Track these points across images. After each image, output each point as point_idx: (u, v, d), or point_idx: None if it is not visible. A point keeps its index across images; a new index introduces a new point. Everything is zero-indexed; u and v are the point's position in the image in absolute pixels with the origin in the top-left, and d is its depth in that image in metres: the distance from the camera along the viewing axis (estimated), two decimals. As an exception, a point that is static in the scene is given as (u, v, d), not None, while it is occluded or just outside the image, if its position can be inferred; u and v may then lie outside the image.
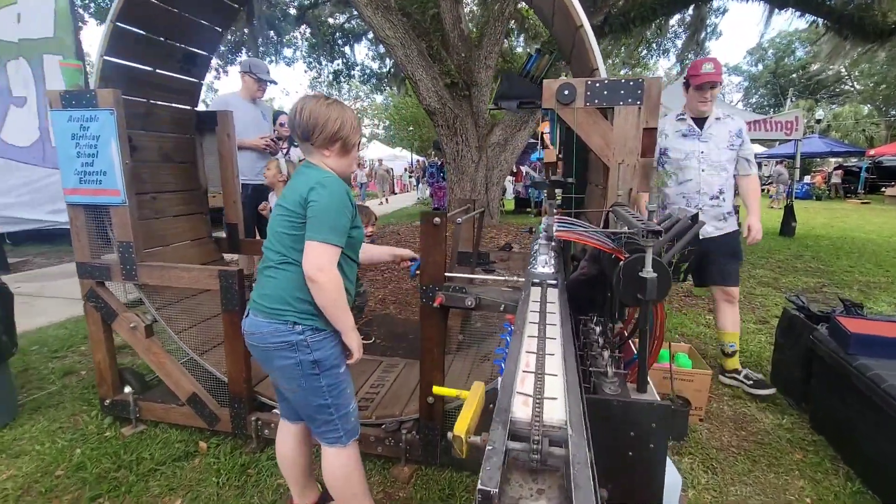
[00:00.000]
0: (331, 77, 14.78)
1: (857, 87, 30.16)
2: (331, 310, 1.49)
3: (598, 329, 1.45)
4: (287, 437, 1.77)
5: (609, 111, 1.69)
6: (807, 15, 8.75)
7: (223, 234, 3.11)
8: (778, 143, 16.87)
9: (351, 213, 1.51)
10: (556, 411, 0.85)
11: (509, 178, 10.63)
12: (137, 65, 2.43)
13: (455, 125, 6.94)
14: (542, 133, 3.06)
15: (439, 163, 11.24)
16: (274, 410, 2.33)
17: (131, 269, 2.27)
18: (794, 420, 2.56)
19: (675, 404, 2.38)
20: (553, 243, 1.45)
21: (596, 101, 1.66)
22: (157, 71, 2.55)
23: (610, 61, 14.45)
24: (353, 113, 1.57)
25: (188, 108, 2.86)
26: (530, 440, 0.77)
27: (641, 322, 1.09)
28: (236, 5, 2.76)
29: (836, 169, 21.52)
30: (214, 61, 13.63)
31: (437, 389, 1.08)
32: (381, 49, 11.68)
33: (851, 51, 9.26)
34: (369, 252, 1.95)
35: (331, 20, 13.43)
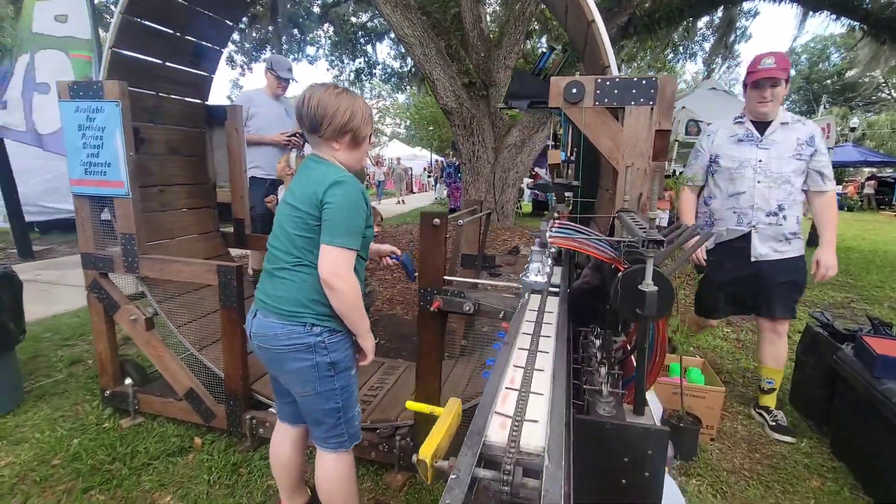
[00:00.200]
0: (353, 75, 14.86)
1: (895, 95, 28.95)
2: (349, 314, 1.45)
3: (597, 342, 1.37)
4: (284, 440, 1.73)
5: (620, 111, 1.60)
6: (842, 18, 8.40)
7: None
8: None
9: (366, 213, 1.46)
10: (535, 436, 0.78)
11: (527, 179, 10.51)
12: (146, 57, 2.42)
13: (472, 125, 6.86)
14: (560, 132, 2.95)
15: (457, 163, 11.17)
16: (270, 409, 2.30)
17: (133, 261, 2.27)
18: (812, 444, 2.42)
19: (684, 422, 2.27)
20: (551, 250, 1.37)
21: (606, 100, 1.57)
22: (167, 64, 2.55)
23: (635, 64, 14.17)
24: (365, 103, 1.49)
25: (198, 101, 2.86)
26: (501, 468, 0.70)
27: (639, 340, 1.01)
28: (247, -1, 2.74)
29: (869, 179, 20.70)
30: (239, 58, 13.88)
31: (409, 404, 1.01)
32: (403, 49, 11.69)
33: (891, 57, 8.85)
34: None
35: (353, 19, 13.51)
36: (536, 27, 11.20)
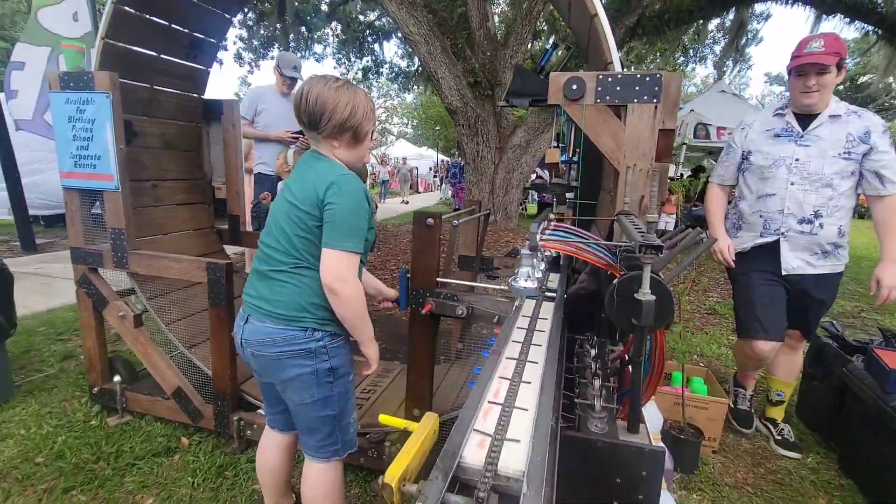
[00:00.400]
0: (360, 74, 14.83)
1: (910, 101, 28.50)
2: (352, 321, 1.39)
3: (593, 352, 1.29)
4: (272, 446, 1.66)
5: (622, 110, 1.53)
6: (856, 22, 8.24)
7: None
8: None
9: (368, 213, 1.39)
10: (516, 457, 0.71)
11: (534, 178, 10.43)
12: (140, 49, 2.38)
13: (476, 125, 6.79)
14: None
15: (462, 163, 11.10)
16: (258, 411, 2.24)
17: (122, 256, 2.22)
18: (819, 459, 2.33)
19: (685, 433, 2.19)
20: (546, 254, 1.30)
21: (607, 97, 1.50)
22: (162, 56, 2.50)
23: (644, 66, 14.03)
24: (367, 96, 1.40)
25: (194, 95, 2.81)
26: (475, 495, 0.63)
27: (635, 353, 0.94)
28: (246, -8, 2.69)
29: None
30: (247, 55, 13.89)
31: (383, 418, 0.95)
32: (410, 48, 11.66)
33: (906, 62, 8.68)
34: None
35: (361, 17, 13.48)
36: (544, 28, 11.12)
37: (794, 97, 2.10)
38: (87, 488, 1.97)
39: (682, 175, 10.75)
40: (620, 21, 6.58)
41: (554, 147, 2.14)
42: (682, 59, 14.61)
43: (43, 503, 1.90)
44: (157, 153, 2.63)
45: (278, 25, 12.72)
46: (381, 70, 14.94)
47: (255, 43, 13.54)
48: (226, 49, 13.10)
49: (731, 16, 9.93)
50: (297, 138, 3.53)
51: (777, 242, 2.16)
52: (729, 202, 2.42)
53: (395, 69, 15.36)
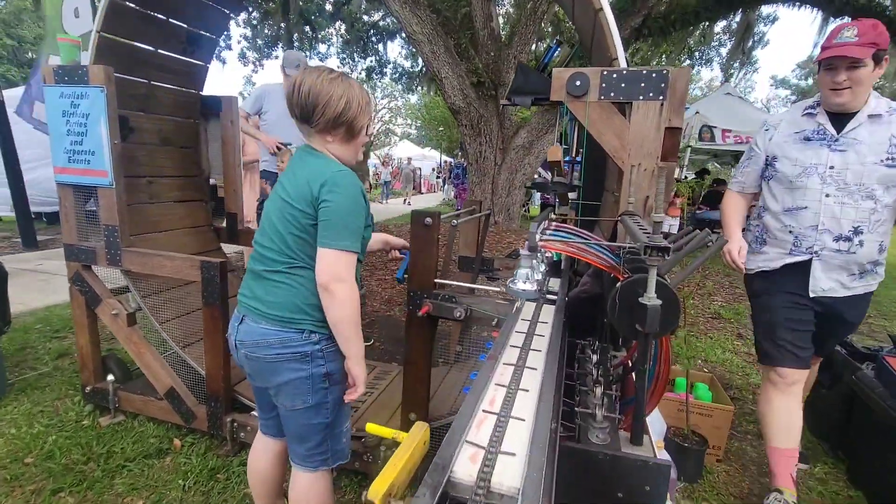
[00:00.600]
0: (364, 74, 14.81)
1: (917, 105, 28.24)
2: (345, 327, 1.31)
3: (594, 358, 1.24)
4: (265, 453, 1.61)
5: (627, 107, 1.48)
6: (865, 24, 8.14)
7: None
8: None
9: (365, 211, 1.35)
10: (511, 472, 0.66)
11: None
12: (137, 43, 2.34)
13: (479, 125, 6.74)
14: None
15: (465, 164, 11.05)
16: (252, 413, 2.20)
17: (116, 253, 2.18)
18: (827, 469, 2.26)
19: (689, 441, 2.13)
20: (547, 255, 1.25)
21: (612, 94, 1.45)
22: (159, 51, 2.47)
23: (649, 68, 13.94)
24: (362, 89, 1.34)
25: (192, 91, 2.77)
26: (465, 514, 0.58)
27: (640, 360, 0.88)
28: (245, -14, 2.65)
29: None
30: (251, 54, 13.90)
31: (370, 427, 0.90)
32: (414, 49, 11.64)
33: (915, 66, 8.57)
34: None
35: (365, 17, 13.47)
36: (549, 29, 11.07)
37: (823, 94, 1.83)
38: (76, 490, 1.93)
39: (686, 177, 10.67)
40: (625, 22, 6.52)
41: (557, 146, 2.09)
42: (688, 61, 14.54)
43: (30, 505, 1.86)
44: (154, 149, 2.59)
45: (282, 25, 12.72)
46: (384, 70, 14.92)
47: (259, 42, 13.55)
48: (230, 48, 13.11)
49: (737, 18, 9.86)
50: (279, 149, 3.52)
51: (808, 262, 1.87)
52: (748, 213, 2.18)
53: (399, 69, 15.34)
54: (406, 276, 1.80)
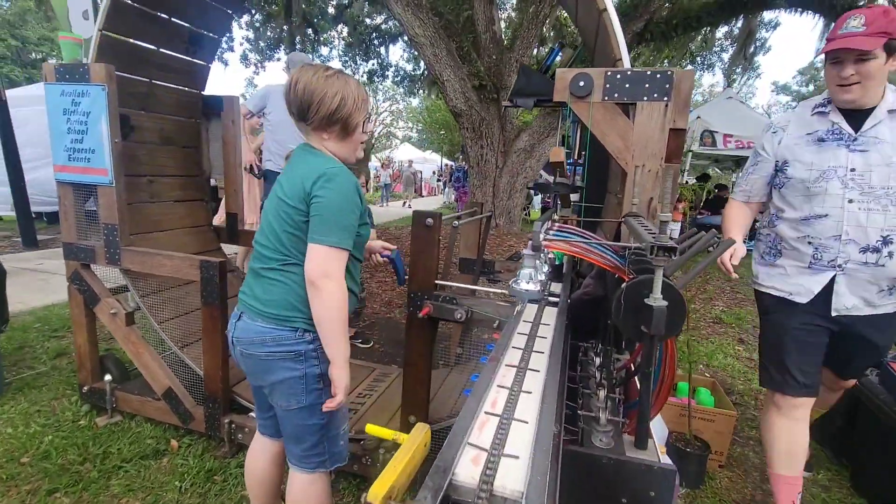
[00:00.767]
0: (365, 76, 14.85)
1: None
2: (329, 326, 1.28)
3: (597, 361, 1.23)
4: (262, 454, 1.59)
5: (631, 108, 1.47)
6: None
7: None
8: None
9: (360, 209, 1.33)
10: (514, 475, 0.64)
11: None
12: (139, 42, 2.34)
13: (481, 128, 6.74)
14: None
15: (465, 167, 11.06)
16: (250, 414, 2.18)
17: (115, 252, 2.17)
18: (831, 476, 2.24)
19: (691, 446, 2.11)
20: (549, 255, 1.24)
21: (616, 94, 1.44)
22: (161, 50, 2.46)
23: (650, 73, 13.97)
24: (358, 86, 1.33)
25: (194, 91, 2.77)
26: (467, 518, 0.57)
27: (645, 363, 0.87)
28: (248, -14, 2.65)
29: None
30: (253, 56, 13.95)
31: (370, 428, 0.88)
32: (416, 52, 11.67)
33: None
34: None
35: (367, 20, 13.51)
36: (550, 34, 11.10)
37: (830, 91, 1.66)
38: (72, 490, 1.91)
39: (687, 182, 10.67)
40: (628, 26, 6.54)
41: (559, 147, 2.08)
42: (690, 66, 14.57)
43: (25, 505, 1.84)
44: (155, 148, 2.58)
45: (285, 27, 12.77)
46: (386, 73, 14.96)
47: (262, 44, 13.60)
48: (232, 50, 13.15)
49: (739, 23, 9.88)
50: (250, 168, 3.57)
51: (832, 281, 1.67)
52: (755, 224, 2.02)
53: (401, 72, 15.38)
54: (406, 276, 1.78)
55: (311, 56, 13.85)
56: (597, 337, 1.39)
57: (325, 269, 1.24)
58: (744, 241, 1.86)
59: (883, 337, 1.74)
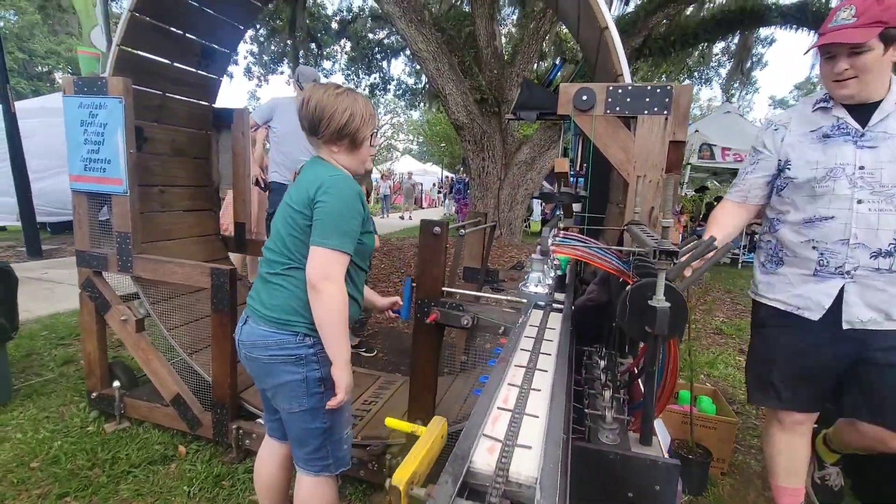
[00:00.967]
0: (367, 90, 15.06)
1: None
2: (329, 328, 1.31)
3: (602, 363, 1.27)
4: (271, 457, 1.62)
5: (632, 121, 1.53)
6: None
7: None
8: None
9: (362, 216, 1.38)
10: (527, 464, 0.68)
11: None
12: (154, 56, 2.41)
13: (482, 141, 6.84)
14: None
15: (466, 179, 11.17)
16: (258, 420, 2.20)
17: (127, 260, 2.22)
18: (832, 484, 2.26)
19: (693, 453, 2.13)
20: (555, 260, 1.29)
21: (617, 108, 1.50)
22: (175, 64, 2.54)
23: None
24: (366, 102, 1.41)
25: (205, 103, 2.84)
26: (486, 500, 0.61)
27: (649, 362, 0.91)
28: (259, 3, 2.74)
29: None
30: (257, 69, 14.17)
31: (389, 421, 0.92)
32: (417, 66, 11.86)
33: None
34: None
35: (370, 35, 13.75)
36: (551, 49, 11.29)
37: (827, 87, 1.56)
38: (82, 495, 1.93)
39: (686, 194, 10.76)
40: (627, 42, 6.67)
41: (563, 158, 2.14)
42: (687, 80, 14.79)
43: (35, 509, 1.86)
44: (166, 159, 2.65)
45: (289, 42, 12.99)
46: (388, 87, 15.18)
47: (266, 58, 13.82)
48: (236, 63, 13.36)
49: (735, 39, 10.07)
50: (257, 181, 3.65)
51: (840, 291, 1.53)
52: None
53: (402, 86, 15.61)
54: (413, 305, 1.81)
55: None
56: (601, 342, 1.43)
57: (326, 271, 1.29)
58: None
59: None
